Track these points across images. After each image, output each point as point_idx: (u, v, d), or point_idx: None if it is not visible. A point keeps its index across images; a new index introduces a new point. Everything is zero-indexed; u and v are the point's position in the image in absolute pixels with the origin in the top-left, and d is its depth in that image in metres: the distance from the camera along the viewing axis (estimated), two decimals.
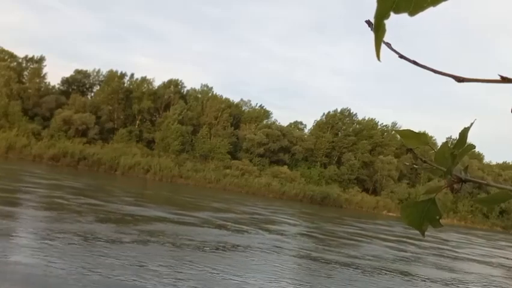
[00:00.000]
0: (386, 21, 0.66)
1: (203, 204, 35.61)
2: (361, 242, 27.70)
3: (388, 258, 22.94)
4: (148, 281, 11.81)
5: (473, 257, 29.61)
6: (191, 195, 42.79)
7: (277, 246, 20.66)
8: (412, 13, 0.65)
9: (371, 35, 0.67)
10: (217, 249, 17.86)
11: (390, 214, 65.86)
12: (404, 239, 32.74)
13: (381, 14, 0.65)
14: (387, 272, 18.99)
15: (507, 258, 32.65)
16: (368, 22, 0.70)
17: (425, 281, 18.83)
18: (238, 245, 19.35)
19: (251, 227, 25.66)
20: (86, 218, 19.39)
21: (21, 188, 26.95)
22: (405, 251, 26.80)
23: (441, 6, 0.67)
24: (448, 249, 31.45)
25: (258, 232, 24.22)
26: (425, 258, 25.22)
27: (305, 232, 28.54)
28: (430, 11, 0.67)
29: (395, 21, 0.69)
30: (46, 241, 14.44)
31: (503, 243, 48.25)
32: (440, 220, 0.95)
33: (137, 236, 17.21)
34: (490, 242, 45.16)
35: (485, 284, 20.95)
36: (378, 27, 0.66)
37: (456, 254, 29.62)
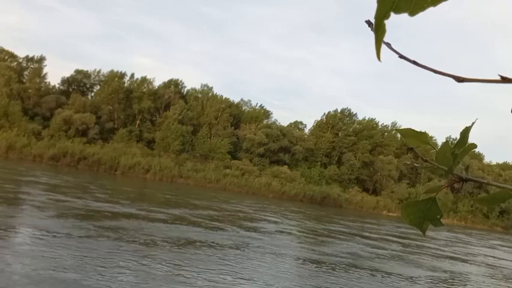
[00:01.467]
0: (386, 22, 0.65)
1: (186, 202, 35.40)
2: (341, 239, 27.35)
3: (364, 255, 22.63)
4: (90, 277, 11.76)
5: (459, 256, 29.22)
6: (183, 194, 42.74)
7: (246, 243, 20.44)
8: (412, 13, 0.65)
9: (371, 35, 0.67)
10: (181, 245, 17.68)
11: (391, 214, 65.43)
12: (390, 237, 32.43)
13: (382, 14, 0.65)
14: (357, 269, 18.72)
15: (494, 257, 32.14)
16: (368, 22, 0.70)
17: (393, 278, 18.56)
18: (203, 241, 19.13)
19: (226, 224, 25.43)
20: (47, 214, 19.40)
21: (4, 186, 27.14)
22: (386, 249, 26.47)
23: (441, 6, 0.67)
24: (435, 248, 31.06)
25: (231, 229, 23.96)
26: (407, 257, 24.86)
27: (283, 229, 28.21)
28: (430, 11, 0.67)
29: (395, 21, 0.69)
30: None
31: (496, 242, 47.54)
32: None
33: (95, 232, 17.17)
34: (482, 241, 44.52)
35: (462, 281, 20.71)
36: (378, 28, 0.65)
37: (441, 253, 29.22)
